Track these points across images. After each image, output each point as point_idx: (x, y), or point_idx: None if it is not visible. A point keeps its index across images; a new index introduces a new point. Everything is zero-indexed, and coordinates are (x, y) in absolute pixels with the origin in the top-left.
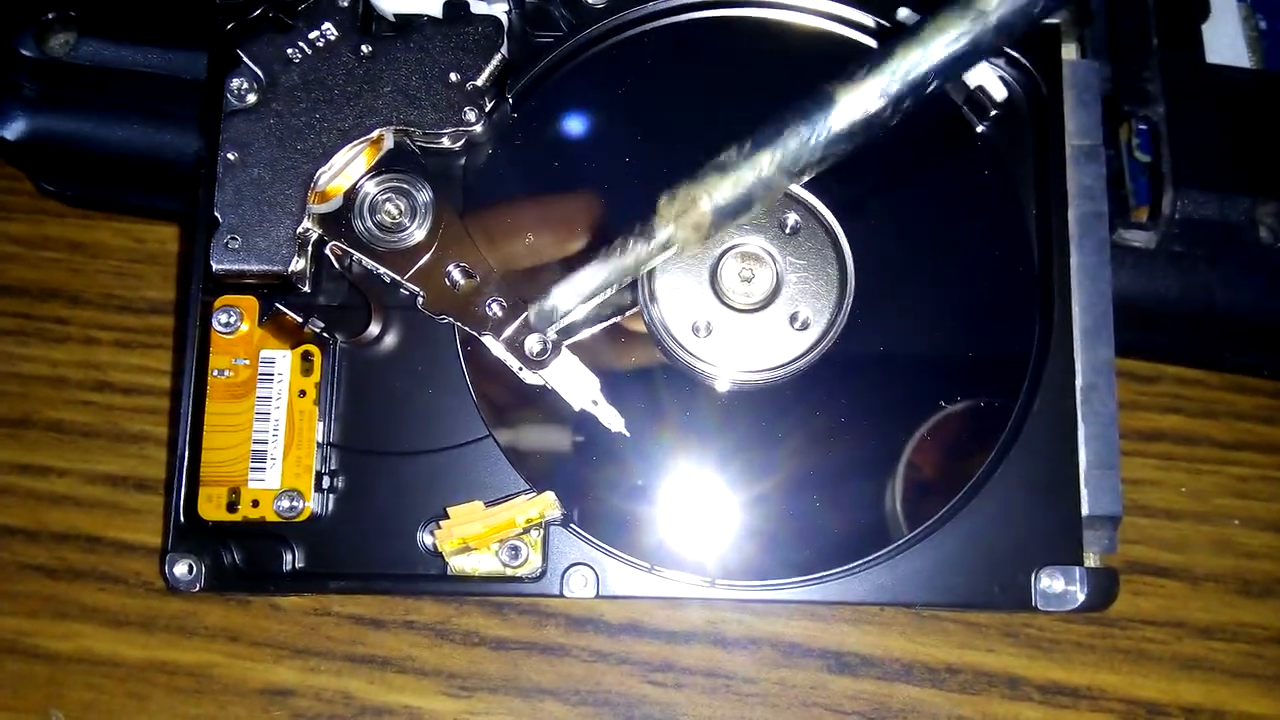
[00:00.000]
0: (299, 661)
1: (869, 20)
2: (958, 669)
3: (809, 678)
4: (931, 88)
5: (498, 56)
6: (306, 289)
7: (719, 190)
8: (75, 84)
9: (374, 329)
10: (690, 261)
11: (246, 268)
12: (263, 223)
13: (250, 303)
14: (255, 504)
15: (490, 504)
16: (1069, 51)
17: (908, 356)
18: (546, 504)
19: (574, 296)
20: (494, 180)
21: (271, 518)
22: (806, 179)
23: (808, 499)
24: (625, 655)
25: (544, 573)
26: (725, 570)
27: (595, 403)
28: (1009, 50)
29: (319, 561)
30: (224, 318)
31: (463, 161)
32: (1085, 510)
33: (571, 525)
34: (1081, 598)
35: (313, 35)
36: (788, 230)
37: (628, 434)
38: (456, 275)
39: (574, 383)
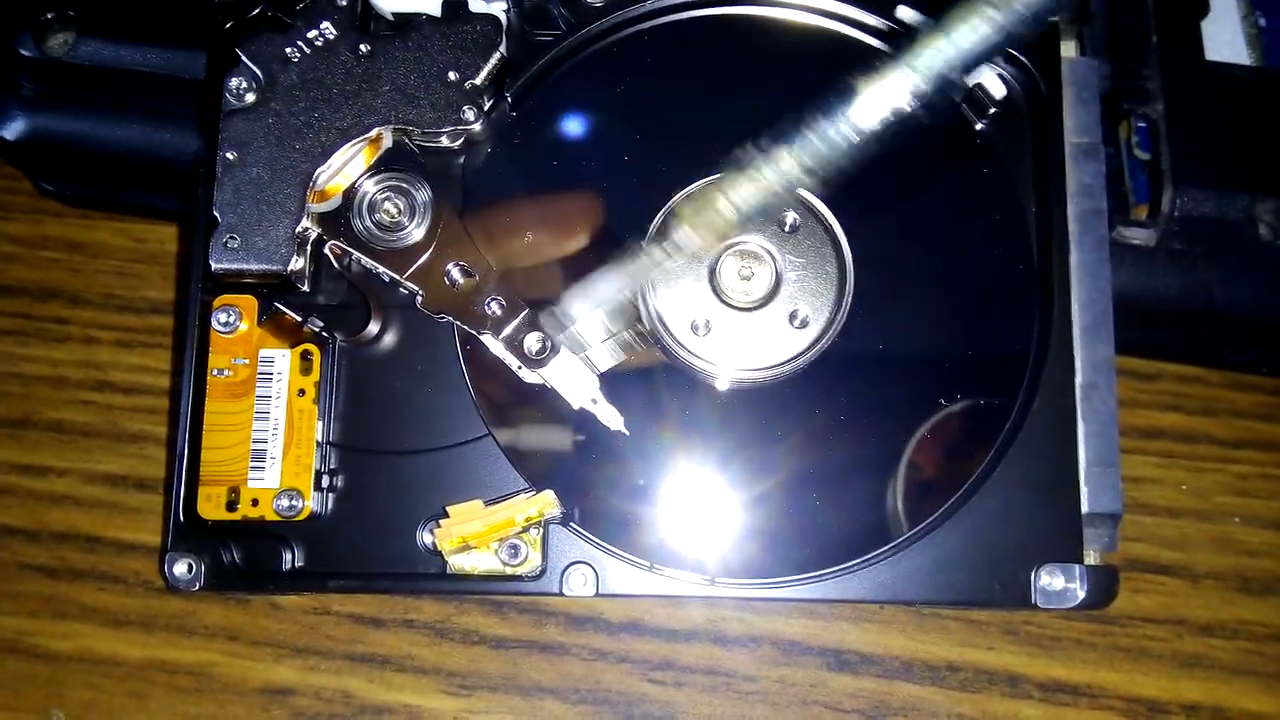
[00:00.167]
0: (299, 660)
1: (869, 19)
2: (958, 667)
3: (809, 676)
4: (957, 79)
5: (496, 55)
6: (305, 288)
7: (738, 190)
8: (74, 83)
9: (373, 328)
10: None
11: (245, 267)
12: (262, 222)
13: (249, 302)
14: (255, 503)
15: (490, 503)
16: (1068, 49)
17: (907, 355)
18: (546, 503)
19: (588, 302)
20: (493, 179)
21: (271, 517)
22: (828, 177)
23: (807, 497)
24: (625, 654)
25: (543, 571)
26: (725, 569)
27: (594, 401)
28: (1008, 48)
29: (318, 560)
30: (223, 317)
31: (461, 160)
32: (1085, 508)
33: (571, 524)
34: (1082, 595)
35: (311, 34)
36: (787, 228)
37: (627, 433)
38: (455, 274)
39: (573, 381)
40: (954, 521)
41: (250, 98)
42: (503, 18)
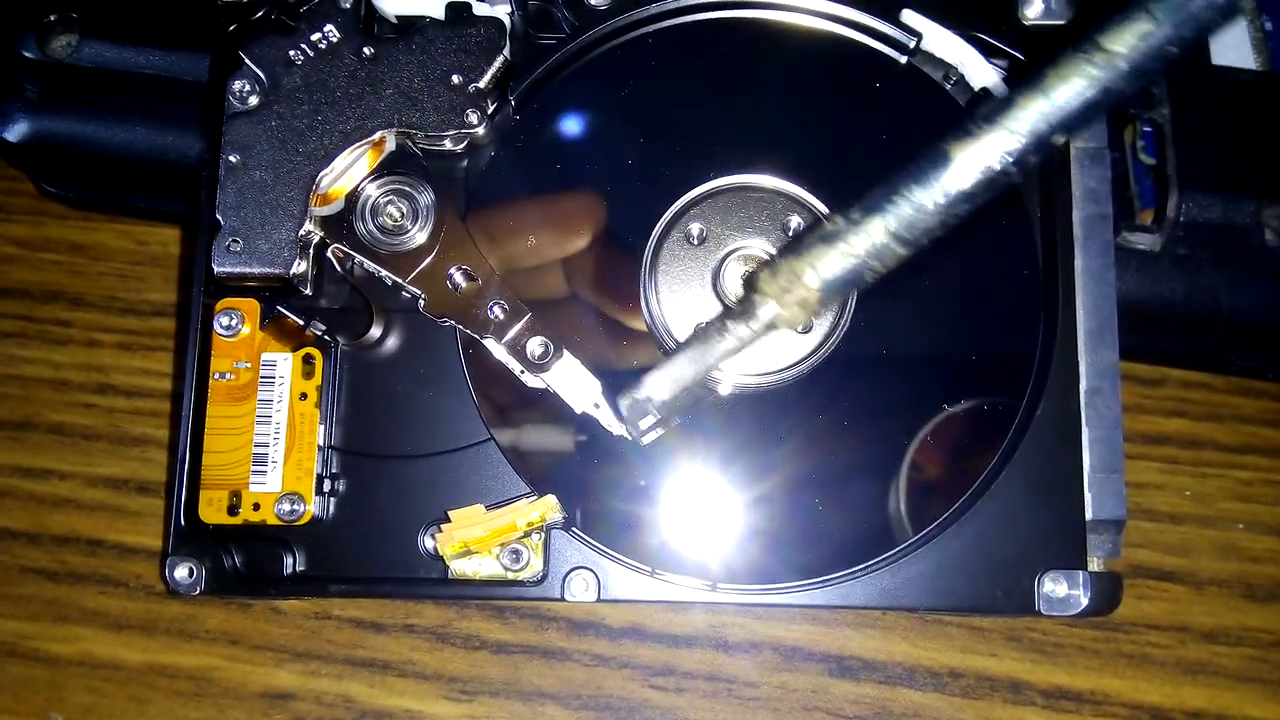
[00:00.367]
0: (299, 665)
1: (875, 23)
2: (960, 673)
3: (811, 682)
4: (1060, 139)
5: (500, 58)
6: (308, 292)
7: (825, 262)
8: (77, 86)
9: (375, 332)
10: (692, 264)
11: (248, 270)
12: (264, 225)
13: (252, 305)
14: (256, 507)
15: (491, 507)
16: None
17: (911, 359)
18: (548, 507)
19: (670, 386)
20: (496, 183)
21: (272, 521)
22: (923, 244)
23: (810, 503)
24: (627, 659)
25: (545, 576)
26: (727, 574)
27: (597, 406)
28: (1012, 52)
29: (320, 565)
30: (225, 320)
31: (465, 164)
32: (1089, 514)
33: (573, 529)
34: (1085, 602)
35: (314, 37)
36: (790, 233)
37: (629, 437)
38: (458, 278)
39: (576, 386)
40: (957, 527)
41: (253, 100)
42: (506, 21)
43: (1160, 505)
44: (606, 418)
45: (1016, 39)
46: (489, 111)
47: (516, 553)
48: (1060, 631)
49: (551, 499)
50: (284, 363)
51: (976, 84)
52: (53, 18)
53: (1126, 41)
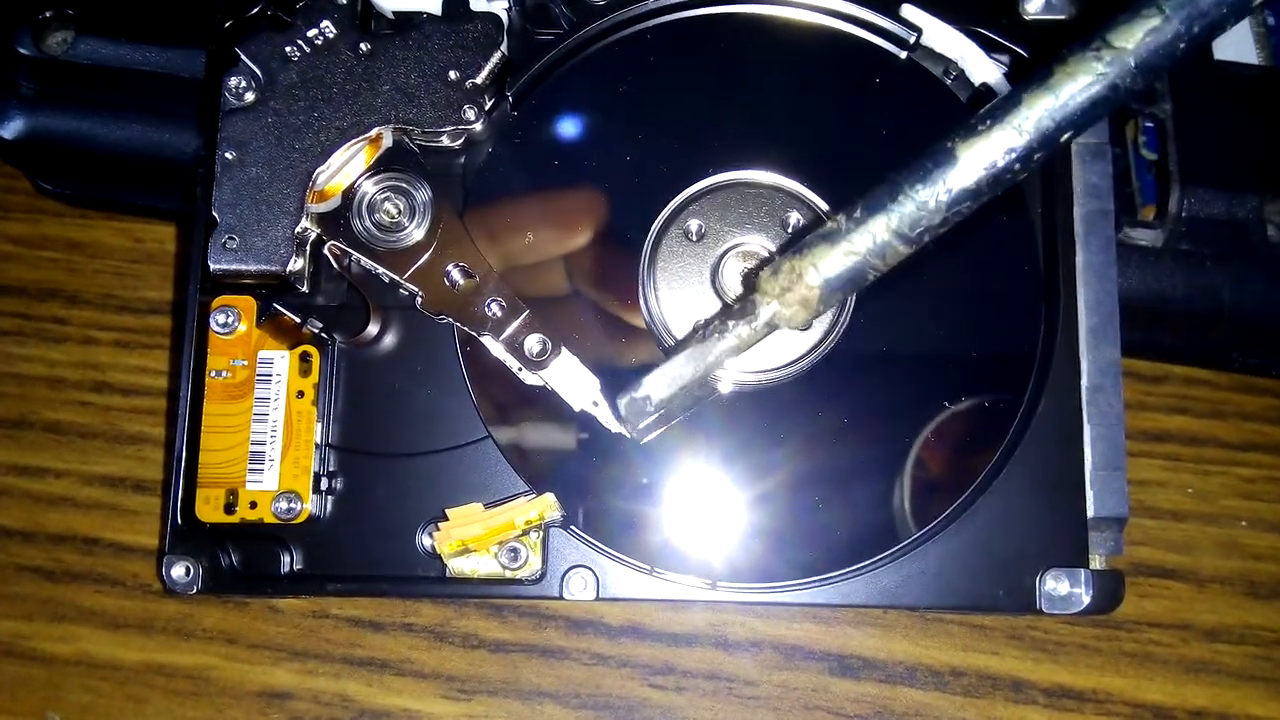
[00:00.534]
0: (297, 664)
1: (873, 17)
2: (962, 672)
3: (811, 680)
4: (1066, 137)
5: (497, 54)
6: (305, 289)
7: (827, 261)
8: (73, 82)
9: (373, 329)
10: (691, 261)
11: (244, 268)
12: (261, 222)
13: (248, 303)
14: (253, 505)
15: (489, 505)
16: None
17: (911, 356)
18: (546, 505)
19: (668, 385)
20: (493, 179)
21: (269, 519)
22: (927, 242)
23: (810, 501)
24: (626, 658)
25: (543, 575)
26: (726, 572)
27: (595, 403)
28: (1013, 46)
29: (317, 563)
30: (222, 318)
31: (462, 160)
32: (1091, 512)
33: (571, 527)
34: (1087, 600)
35: (311, 33)
36: (789, 229)
37: (628, 434)
38: (455, 275)
39: (574, 383)
40: (958, 525)
41: (250, 97)
42: (504, 16)
43: (1162, 503)
44: (605, 416)
45: (1017, 34)
46: (486, 108)
47: (515, 551)
48: (1062, 630)
49: (550, 497)
50: (281, 360)
51: (977, 79)
52: (48, 14)
53: (1135, 38)
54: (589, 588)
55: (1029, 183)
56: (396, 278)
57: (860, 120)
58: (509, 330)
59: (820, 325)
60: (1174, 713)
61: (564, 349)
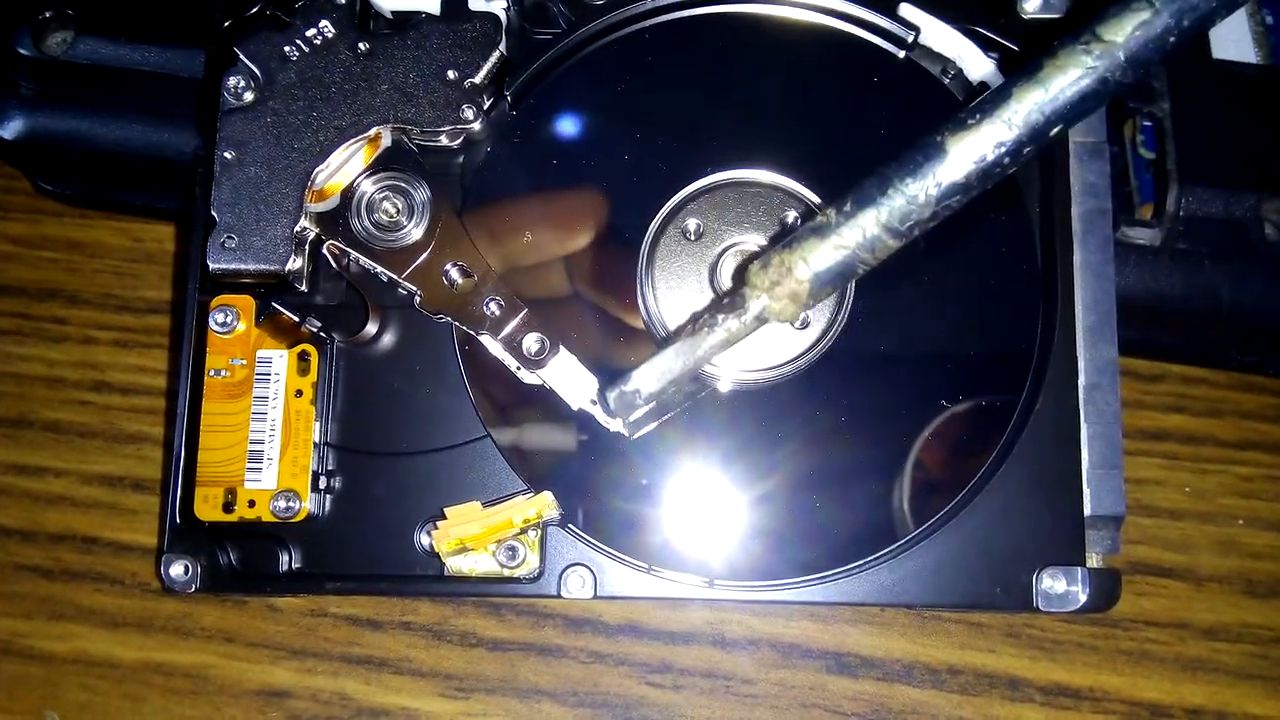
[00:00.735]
0: (295, 662)
1: (871, 16)
2: (959, 670)
3: (809, 679)
4: (1056, 131)
5: (496, 54)
6: (303, 288)
7: (816, 255)
8: (72, 82)
9: (371, 328)
10: (689, 260)
11: (243, 267)
12: (259, 222)
13: (247, 302)
14: (251, 504)
15: (488, 504)
16: None
17: (909, 355)
18: (544, 504)
19: (657, 379)
20: (492, 179)
21: (268, 518)
22: (916, 236)
23: (808, 499)
24: (624, 656)
25: (541, 573)
26: (724, 571)
27: (594, 402)
28: (1011, 45)
29: (315, 562)
30: (221, 317)
31: (461, 160)
32: (1088, 510)
33: (569, 525)
34: (1084, 598)
35: (310, 33)
36: (787, 228)
37: (626, 434)
38: (454, 274)
39: (573, 382)
40: (955, 523)
41: (248, 97)
42: (502, 16)
43: (1160, 501)
44: (603, 414)
45: (1015, 33)
46: (485, 107)
47: (513, 549)
48: (1059, 628)
49: (548, 495)
50: (279, 359)
51: (975, 78)
52: (48, 14)
53: (1124, 31)
54: (587, 586)
55: (1027, 182)
56: (395, 277)
57: (858, 119)
58: (507, 329)
59: (818, 324)
60: (1171, 711)
61: (562, 348)
